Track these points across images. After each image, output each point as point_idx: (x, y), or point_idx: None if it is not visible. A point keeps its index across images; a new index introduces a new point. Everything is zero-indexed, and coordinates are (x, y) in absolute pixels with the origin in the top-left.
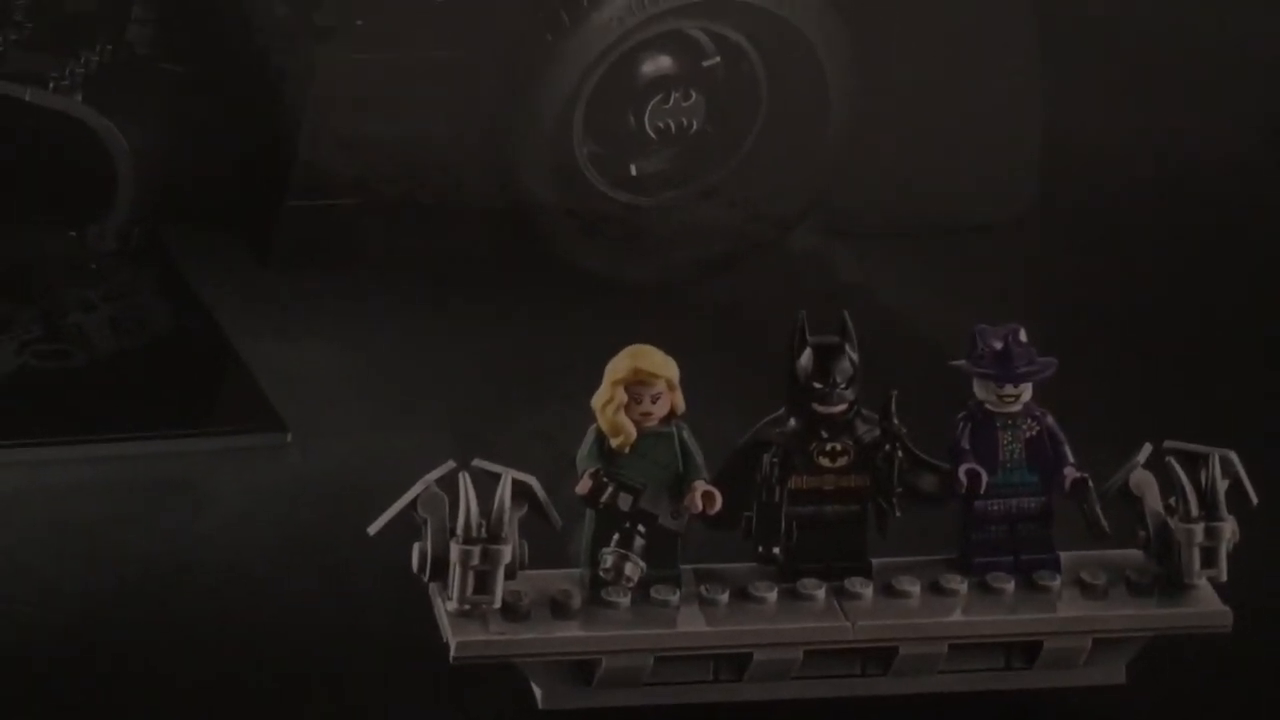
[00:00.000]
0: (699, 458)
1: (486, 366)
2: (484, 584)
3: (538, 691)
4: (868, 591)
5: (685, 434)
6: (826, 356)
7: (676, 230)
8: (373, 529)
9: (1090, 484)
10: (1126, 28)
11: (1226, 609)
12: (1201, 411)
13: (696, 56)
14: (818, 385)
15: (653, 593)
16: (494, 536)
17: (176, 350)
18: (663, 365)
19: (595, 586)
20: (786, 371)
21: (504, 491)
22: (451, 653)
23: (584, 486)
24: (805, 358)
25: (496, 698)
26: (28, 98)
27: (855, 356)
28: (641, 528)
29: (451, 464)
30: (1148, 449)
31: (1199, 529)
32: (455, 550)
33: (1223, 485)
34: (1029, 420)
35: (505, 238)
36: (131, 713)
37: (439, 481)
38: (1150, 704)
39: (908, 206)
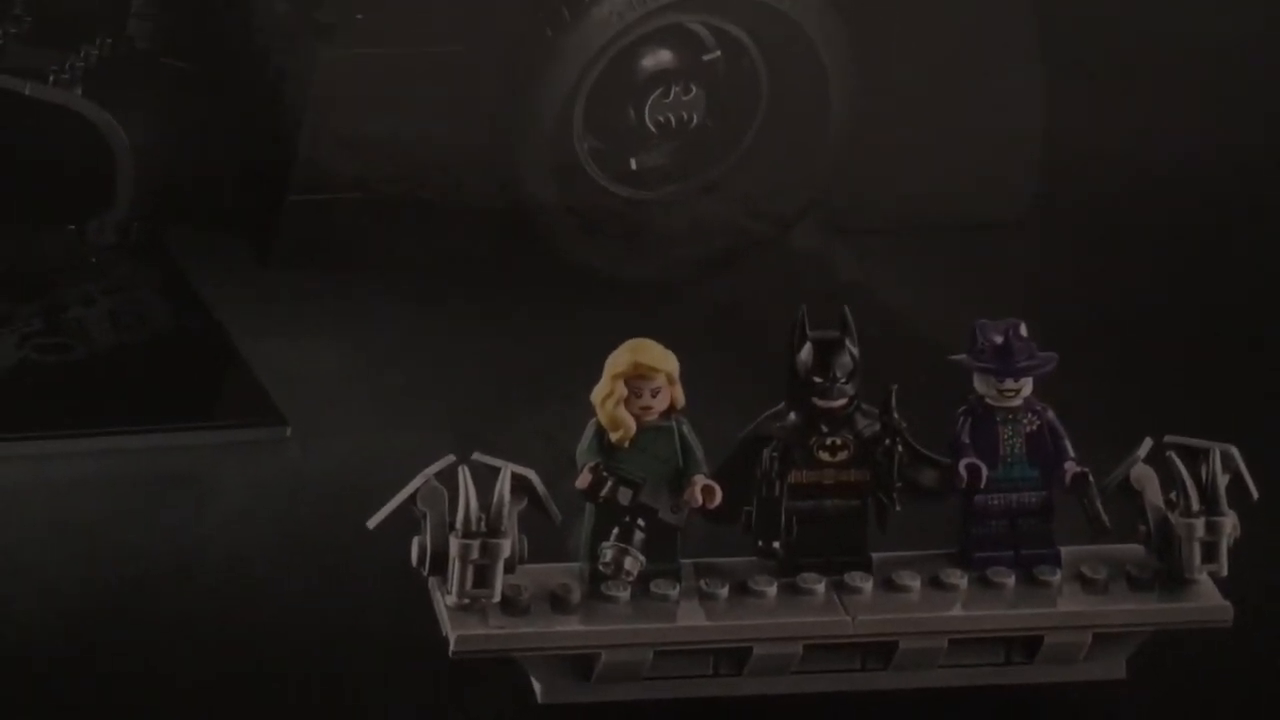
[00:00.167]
0: (699, 452)
1: (486, 366)
2: (483, 578)
3: (537, 686)
4: (868, 586)
5: (685, 428)
6: (827, 351)
7: (676, 227)
8: (372, 523)
9: (1091, 479)
10: (1126, 28)
11: (1227, 604)
12: (1201, 410)
13: (697, 51)
14: (818, 380)
15: (652, 587)
16: (493, 530)
17: (176, 344)
18: (662, 359)
19: (595, 581)
20: (787, 366)
21: (503, 485)
22: (451, 647)
23: (584, 480)
24: (805, 352)
25: (496, 696)
26: (27, 91)
27: (855, 351)
28: (641, 522)
29: (451, 458)
30: (1148, 444)
31: (1199, 524)
32: (455, 544)
33: (1223, 480)
34: (1029, 415)
35: (505, 237)
36: (131, 712)
37: (438, 476)
38: (1150, 699)
39: (908, 205)
